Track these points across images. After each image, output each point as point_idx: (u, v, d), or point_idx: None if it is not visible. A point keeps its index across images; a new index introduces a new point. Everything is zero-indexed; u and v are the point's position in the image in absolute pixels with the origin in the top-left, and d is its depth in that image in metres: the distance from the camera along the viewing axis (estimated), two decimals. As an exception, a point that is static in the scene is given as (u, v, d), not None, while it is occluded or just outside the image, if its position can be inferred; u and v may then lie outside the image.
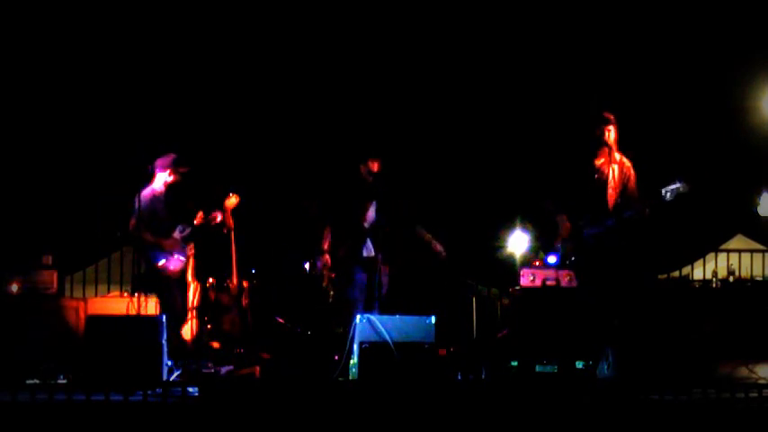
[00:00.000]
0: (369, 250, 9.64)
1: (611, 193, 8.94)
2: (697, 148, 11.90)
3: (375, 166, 9.67)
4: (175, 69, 11.98)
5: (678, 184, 8.68)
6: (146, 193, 9.97)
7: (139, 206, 9.72)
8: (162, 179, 10.05)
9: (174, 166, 10.03)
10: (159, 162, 10.05)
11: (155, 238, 9.89)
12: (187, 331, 10.30)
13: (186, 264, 10.11)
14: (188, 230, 10.06)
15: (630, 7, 11.95)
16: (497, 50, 12.17)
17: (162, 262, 9.87)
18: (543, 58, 12.14)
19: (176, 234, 10.02)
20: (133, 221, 9.85)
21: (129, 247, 11.12)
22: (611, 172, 8.99)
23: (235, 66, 12.10)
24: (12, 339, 9.86)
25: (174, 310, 9.82)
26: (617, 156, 9.06)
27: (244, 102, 12.21)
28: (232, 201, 10.57)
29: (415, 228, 9.70)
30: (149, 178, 9.99)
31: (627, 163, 9.07)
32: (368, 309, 9.48)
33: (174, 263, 9.96)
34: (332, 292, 10.07)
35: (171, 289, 9.95)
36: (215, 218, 10.26)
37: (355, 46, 12.14)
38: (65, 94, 11.90)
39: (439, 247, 9.77)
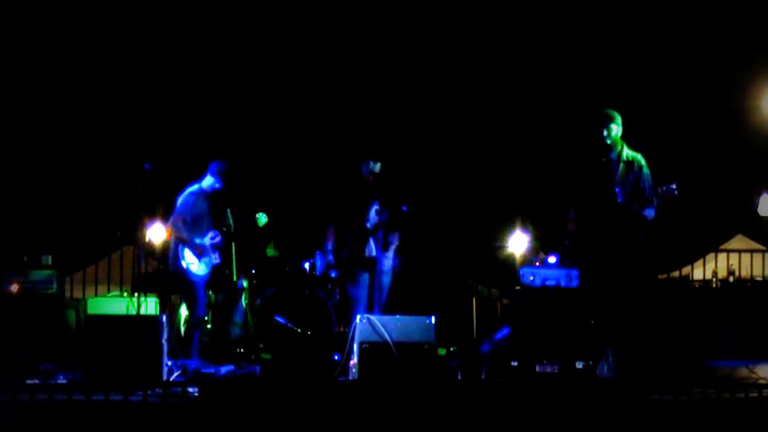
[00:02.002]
0: (371, 250, 9.64)
1: (617, 189, 8.96)
2: (697, 147, 11.90)
3: (376, 167, 9.67)
4: (175, 70, 11.98)
5: (672, 186, 8.73)
6: (194, 191, 10.00)
7: (190, 203, 9.77)
8: (212, 183, 10.06)
9: (226, 175, 10.05)
10: (214, 167, 10.05)
11: (190, 239, 9.91)
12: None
13: (214, 268, 10.14)
14: (218, 238, 10.08)
15: (631, 7, 11.96)
16: (497, 51, 12.17)
17: (192, 262, 9.90)
18: (543, 58, 12.14)
19: (207, 240, 10.04)
20: (178, 218, 9.86)
21: (129, 247, 11.13)
22: (618, 168, 9.02)
23: (236, 66, 12.10)
24: (12, 339, 9.86)
25: (197, 311, 9.85)
26: (626, 153, 9.07)
27: (245, 103, 12.20)
28: (263, 220, 10.59)
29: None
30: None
31: (638, 159, 9.08)
32: (371, 308, 9.48)
33: (198, 267, 9.98)
34: (337, 292, 10.07)
35: (195, 291, 9.96)
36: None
37: (357, 47, 12.14)
38: (65, 95, 11.90)
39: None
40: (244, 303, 10.60)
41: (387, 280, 9.65)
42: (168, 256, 10.15)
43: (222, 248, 10.23)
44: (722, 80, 11.82)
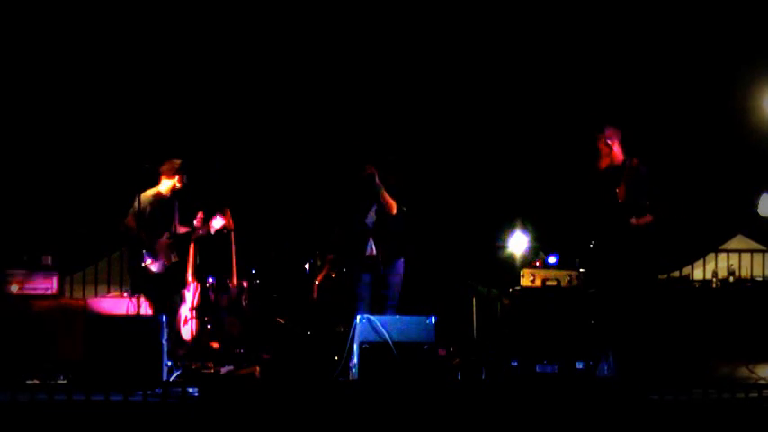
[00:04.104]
0: (371, 249, 9.64)
1: (619, 197, 8.99)
2: (697, 147, 11.90)
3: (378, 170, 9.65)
4: (176, 70, 11.98)
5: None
6: (149, 193, 10.02)
7: (140, 205, 9.78)
8: (168, 184, 10.10)
9: (181, 173, 10.08)
10: (166, 167, 10.09)
11: (148, 239, 9.94)
12: (187, 331, 10.31)
13: (172, 265, 10.15)
14: (172, 239, 10.12)
15: (633, 7, 11.95)
16: (498, 52, 12.16)
17: (148, 262, 9.94)
18: (543, 59, 12.13)
19: (163, 240, 10.07)
20: (131, 219, 9.91)
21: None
22: (621, 176, 9.05)
23: (237, 67, 12.09)
24: (12, 339, 9.86)
25: (160, 309, 9.84)
26: (626, 161, 9.11)
27: (246, 103, 12.20)
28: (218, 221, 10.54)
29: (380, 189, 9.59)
30: (147, 177, 10.02)
31: (640, 168, 9.11)
32: (375, 307, 9.46)
33: (156, 265, 10.01)
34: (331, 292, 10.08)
35: (156, 289, 9.98)
36: (209, 227, 10.28)
37: (357, 47, 12.14)
38: (65, 95, 11.89)
39: (392, 203, 9.62)
40: (243, 304, 10.61)
41: (396, 280, 9.62)
42: (129, 256, 10.20)
43: (181, 248, 10.24)
44: (723, 80, 11.82)
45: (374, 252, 9.56)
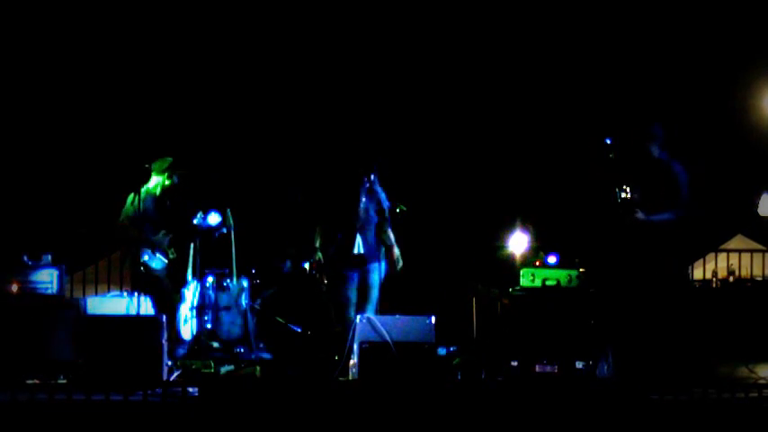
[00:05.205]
0: (358, 248, 9.64)
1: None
2: (697, 147, 11.91)
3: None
4: (173, 70, 11.99)
5: None
6: (141, 191, 10.08)
7: (140, 204, 9.83)
8: (157, 181, 10.18)
9: (171, 171, 10.15)
10: (156, 165, 10.16)
11: (143, 236, 10.00)
12: (187, 331, 10.32)
13: (171, 263, 10.20)
14: (168, 236, 10.16)
15: (633, 5, 11.96)
16: (499, 51, 12.17)
17: (145, 258, 9.99)
18: (542, 60, 12.14)
19: (160, 236, 10.14)
20: (125, 218, 9.97)
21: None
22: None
23: (231, 65, 12.10)
24: (12, 339, 9.85)
25: (160, 307, 9.86)
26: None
27: (241, 102, 12.21)
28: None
29: (384, 231, 9.64)
30: (145, 176, 10.07)
31: (676, 167, 9.23)
32: (361, 307, 9.47)
33: (156, 261, 10.06)
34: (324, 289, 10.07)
35: (156, 287, 10.01)
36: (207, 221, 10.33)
37: (358, 46, 12.14)
38: (66, 95, 11.90)
39: (395, 256, 9.70)
40: (244, 303, 10.61)
41: (374, 279, 9.62)
42: (128, 255, 10.26)
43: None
44: (723, 80, 11.82)
45: (362, 251, 9.58)
